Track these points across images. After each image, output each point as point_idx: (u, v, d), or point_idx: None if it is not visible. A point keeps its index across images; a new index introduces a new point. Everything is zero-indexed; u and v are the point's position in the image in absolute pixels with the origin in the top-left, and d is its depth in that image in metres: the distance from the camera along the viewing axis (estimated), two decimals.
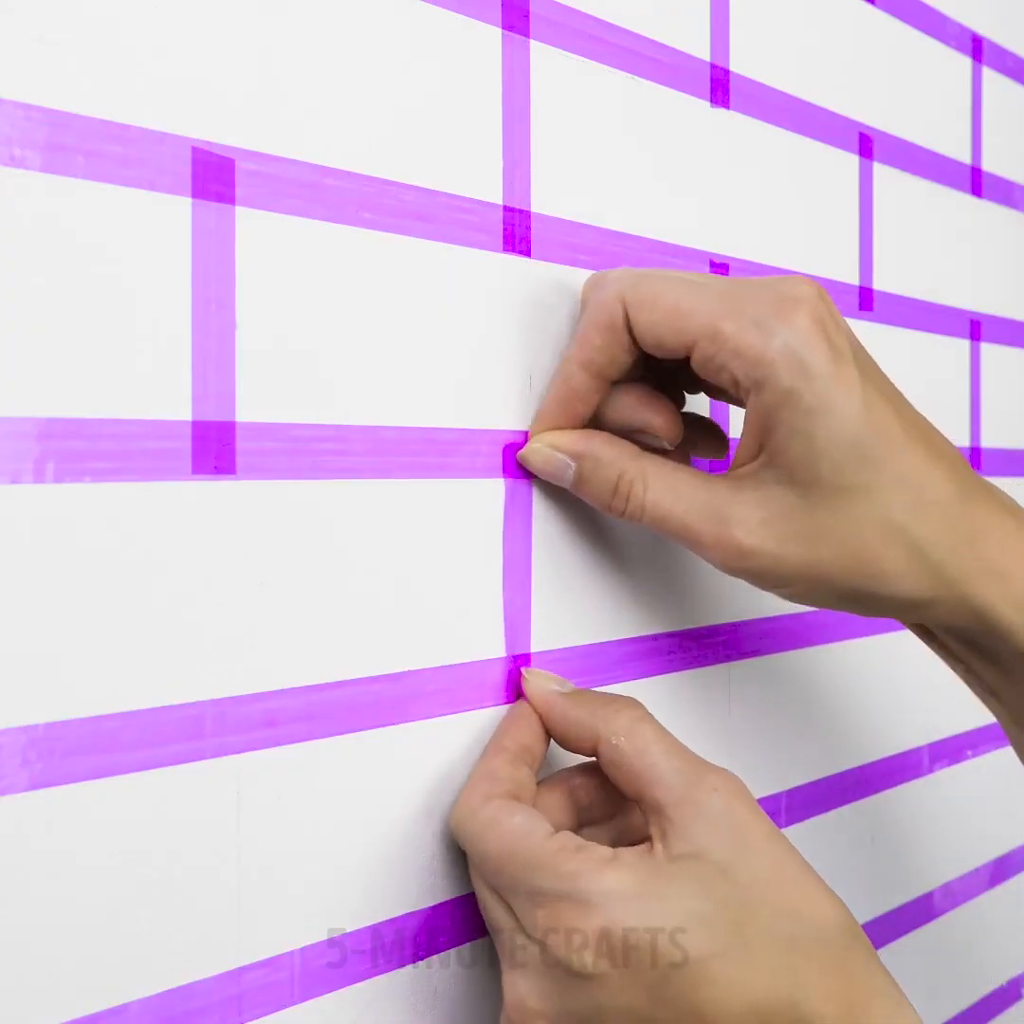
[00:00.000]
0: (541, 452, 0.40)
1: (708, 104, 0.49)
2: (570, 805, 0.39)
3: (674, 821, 0.34)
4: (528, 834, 0.34)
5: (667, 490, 0.39)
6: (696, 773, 0.35)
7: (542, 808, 0.38)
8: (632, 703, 0.38)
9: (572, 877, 0.33)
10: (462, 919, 0.39)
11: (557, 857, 0.33)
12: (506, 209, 0.41)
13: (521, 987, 0.34)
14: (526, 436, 0.41)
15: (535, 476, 0.41)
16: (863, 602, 0.39)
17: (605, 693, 0.39)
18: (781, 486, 0.38)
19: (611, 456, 0.39)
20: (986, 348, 0.67)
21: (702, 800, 0.35)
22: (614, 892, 0.33)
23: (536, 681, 0.40)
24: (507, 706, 0.40)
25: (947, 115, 0.64)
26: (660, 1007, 0.32)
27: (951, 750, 0.64)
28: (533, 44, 0.41)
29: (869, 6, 0.58)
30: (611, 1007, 0.33)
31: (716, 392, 0.43)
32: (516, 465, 0.41)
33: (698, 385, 0.43)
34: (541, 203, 0.42)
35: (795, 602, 0.41)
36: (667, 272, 0.39)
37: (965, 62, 0.66)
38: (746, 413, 0.38)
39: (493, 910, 0.36)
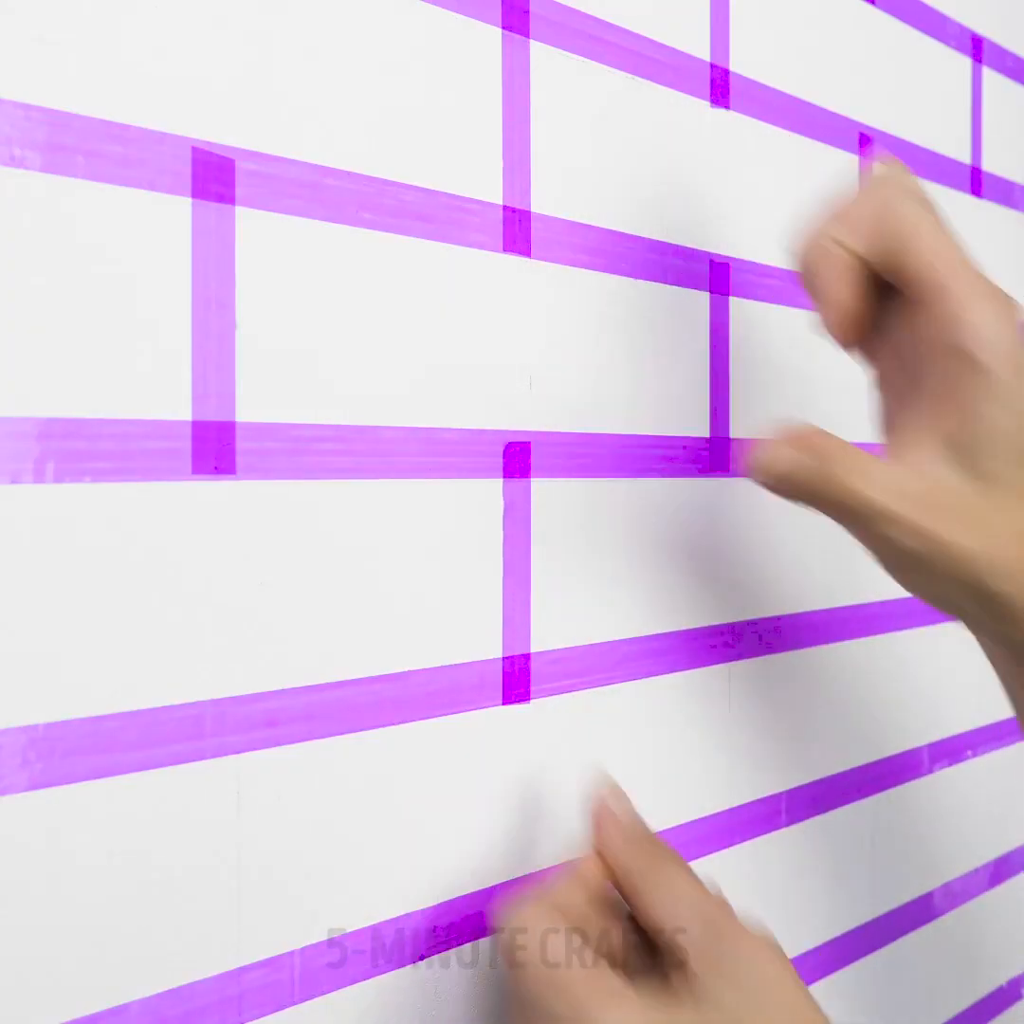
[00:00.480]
0: (778, 461, 0.37)
1: (708, 104, 0.49)
2: (623, 929, 0.39)
3: (697, 973, 0.35)
4: (556, 947, 0.35)
5: (867, 476, 0.36)
6: (723, 930, 0.36)
7: (596, 927, 0.38)
8: (673, 857, 0.38)
9: (581, 1004, 0.34)
10: (462, 919, 0.39)
11: (574, 983, 0.34)
12: (506, 209, 0.41)
13: None
14: (529, 442, 0.41)
15: (534, 476, 0.41)
16: (990, 605, 0.37)
17: (654, 838, 0.39)
18: (947, 466, 0.36)
19: (820, 443, 0.37)
20: None
21: (726, 955, 0.35)
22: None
23: (606, 808, 0.40)
24: (505, 707, 0.40)
25: (947, 115, 0.64)
26: None
27: (951, 750, 0.64)
28: (533, 44, 0.41)
29: (869, 6, 0.58)
30: None
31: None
32: (516, 466, 0.41)
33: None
34: (541, 203, 0.42)
35: (929, 601, 0.39)
36: (936, 215, 0.38)
37: (965, 62, 0.66)
38: (932, 378, 0.37)
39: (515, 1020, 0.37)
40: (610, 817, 0.39)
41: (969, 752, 0.66)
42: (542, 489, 0.42)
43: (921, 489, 0.36)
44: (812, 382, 0.54)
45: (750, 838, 0.51)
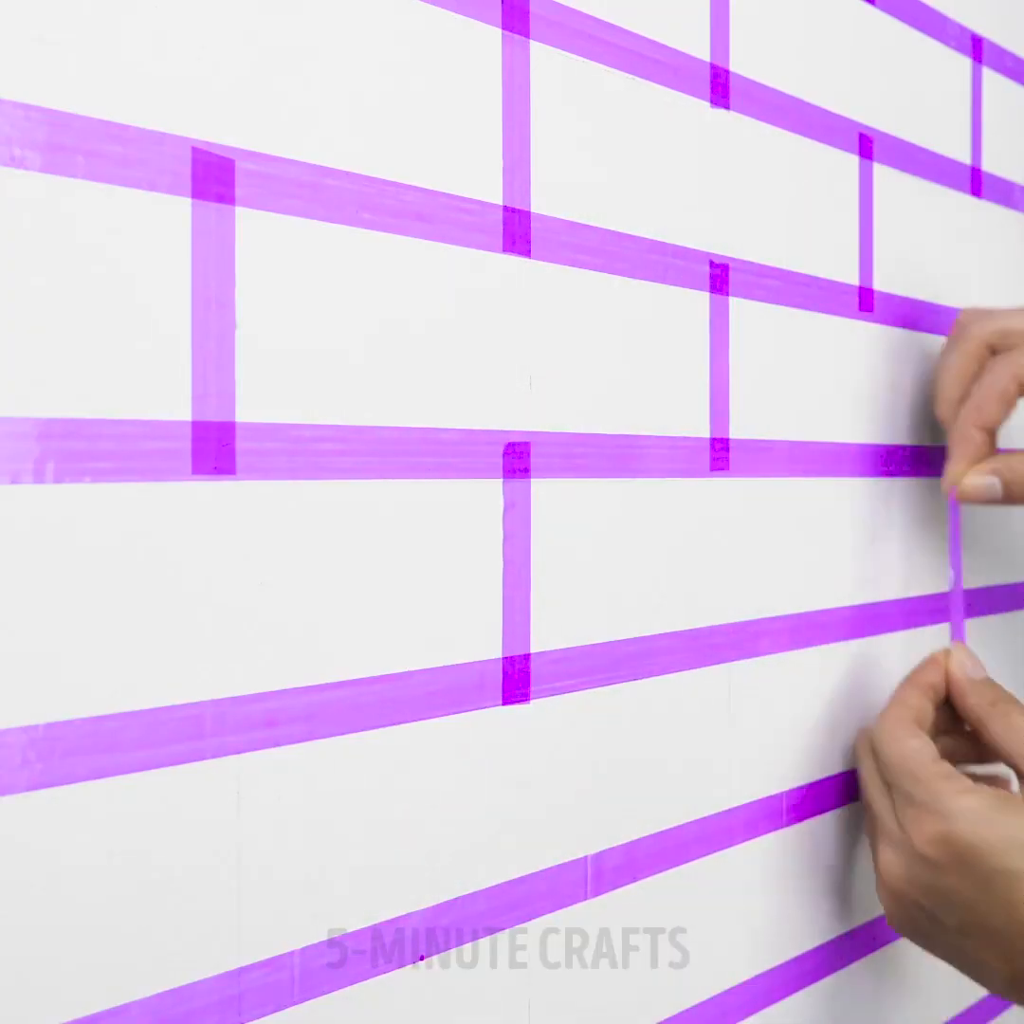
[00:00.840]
0: (972, 484, 0.54)
1: (708, 104, 0.49)
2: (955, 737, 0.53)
3: None
4: (918, 753, 0.49)
5: None
6: None
7: (928, 727, 0.51)
8: (1012, 697, 0.52)
9: (937, 794, 0.47)
10: (462, 919, 0.39)
11: (932, 778, 0.48)
12: (506, 209, 0.41)
13: (889, 856, 0.49)
14: (528, 442, 0.41)
15: (534, 476, 0.41)
16: None
17: (996, 685, 0.53)
18: None
19: (1022, 462, 0.53)
20: None
21: None
22: (963, 811, 0.46)
23: (958, 658, 0.53)
24: (505, 707, 0.40)
25: (947, 115, 0.64)
26: (985, 893, 0.45)
27: None
28: (533, 44, 0.41)
29: (869, 6, 0.58)
30: (947, 885, 0.47)
31: None
32: (516, 466, 0.41)
33: None
34: (541, 203, 0.42)
35: None
36: None
37: (965, 62, 0.66)
38: None
39: (876, 794, 0.51)
40: (962, 673, 0.53)
41: None
42: (542, 489, 0.42)
43: None
44: (811, 382, 0.54)
45: (750, 838, 0.51)
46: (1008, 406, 0.54)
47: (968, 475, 0.55)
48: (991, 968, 0.47)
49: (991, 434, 0.55)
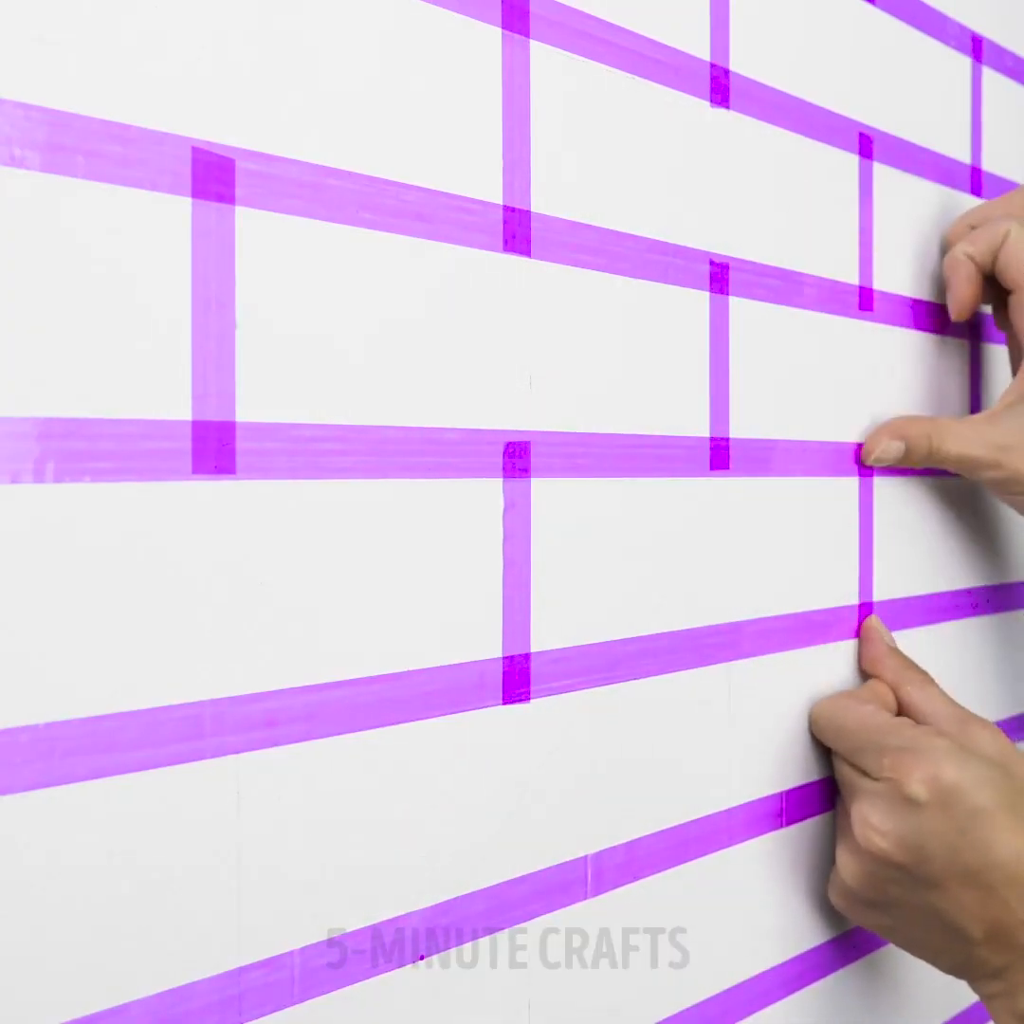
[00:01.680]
0: (887, 451, 0.56)
1: (708, 104, 0.49)
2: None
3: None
4: (876, 713, 0.51)
5: (954, 437, 0.56)
6: (966, 717, 0.52)
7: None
8: (923, 670, 0.55)
9: (912, 737, 0.49)
10: (462, 919, 0.39)
11: (901, 726, 0.50)
12: (506, 209, 0.41)
13: (866, 810, 0.49)
14: (528, 442, 0.41)
15: (534, 476, 0.41)
16: None
17: (906, 656, 0.56)
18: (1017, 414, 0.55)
19: (919, 427, 0.56)
20: (986, 348, 0.67)
21: (973, 733, 0.51)
22: (941, 748, 0.48)
23: (876, 632, 0.57)
24: (505, 706, 0.40)
25: (947, 115, 0.64)
26: (962, 836, 0.46)
27: None
28: (533, 44, 0.41)
29: (869, 6, 0.58)
30: (929, 829, 0.47)
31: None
32: (516, 466, 0.41)
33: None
34: (541, 203, 0.42)
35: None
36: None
37: (965, 62, 0.66)
38: None
39: (837, 764, 0.53)
40: (881, 644, 0.57)
41: None
42: (542, 489, 0.42)
43: (995, 434, 0.56)
44: (811, 382, 0.54)
45: (750, 838, 0.51)
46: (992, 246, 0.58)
47: (883, 439, 0.57)
48: (964, 928, 0.47)
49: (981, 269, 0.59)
